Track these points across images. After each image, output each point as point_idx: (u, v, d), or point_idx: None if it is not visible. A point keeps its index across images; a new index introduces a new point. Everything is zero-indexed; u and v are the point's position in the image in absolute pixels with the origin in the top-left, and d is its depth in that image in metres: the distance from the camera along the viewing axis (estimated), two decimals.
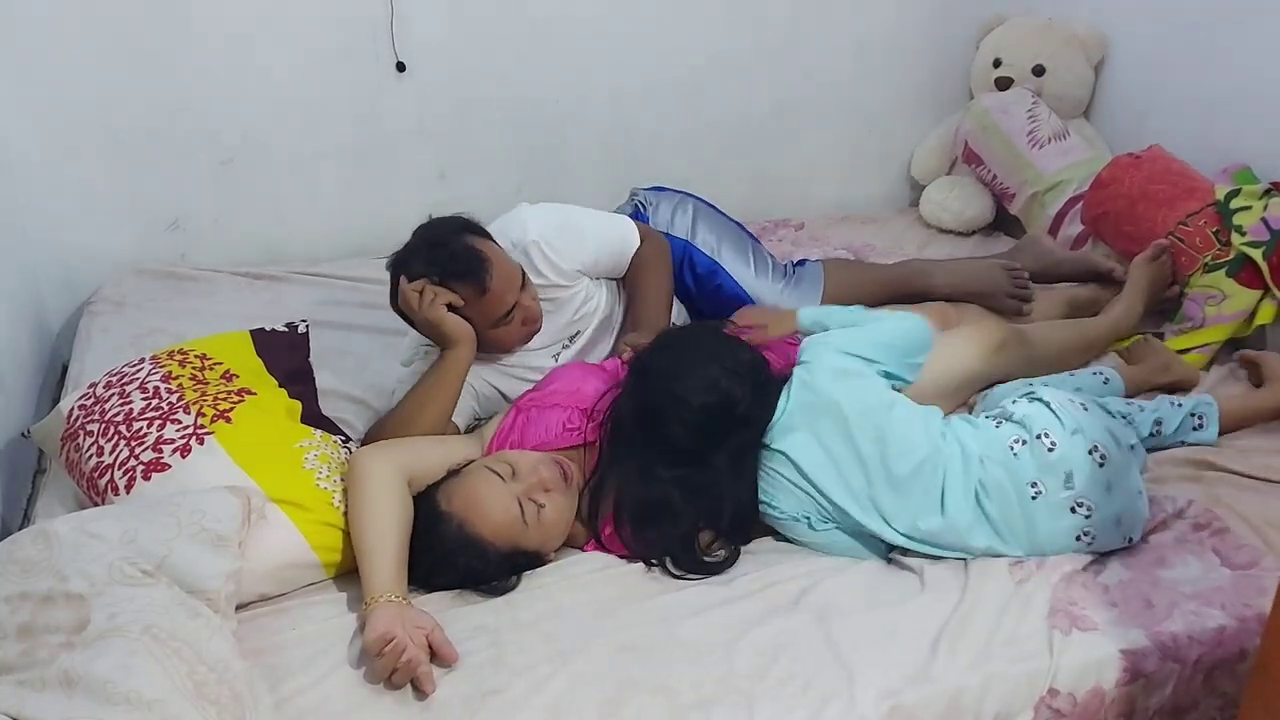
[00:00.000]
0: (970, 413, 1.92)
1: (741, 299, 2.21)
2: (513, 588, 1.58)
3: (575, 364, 1.98)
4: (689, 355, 1.70)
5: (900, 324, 1.85)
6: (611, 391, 1.76)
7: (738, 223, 2.40)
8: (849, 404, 1.66)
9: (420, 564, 1.55)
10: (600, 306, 2.08)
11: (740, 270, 2.25)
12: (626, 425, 1.69)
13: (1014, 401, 1.76)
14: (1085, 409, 1.69)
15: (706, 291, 2.23)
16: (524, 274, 1.90)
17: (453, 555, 1.56)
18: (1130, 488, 1.66)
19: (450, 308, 1.80)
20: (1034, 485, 1.62)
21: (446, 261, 1.80)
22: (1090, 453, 1.63)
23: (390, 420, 1.82)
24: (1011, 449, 1.65)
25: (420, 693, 1.38)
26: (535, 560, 1.62)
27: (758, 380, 1.70)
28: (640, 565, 1.64)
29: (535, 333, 1.96)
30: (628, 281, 2.11)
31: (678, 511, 1.63)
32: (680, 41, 2.79)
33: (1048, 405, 1.70)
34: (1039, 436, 1.65)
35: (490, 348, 1.93)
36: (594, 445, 1.73)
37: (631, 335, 1.96)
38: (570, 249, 1.99)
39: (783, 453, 1.65)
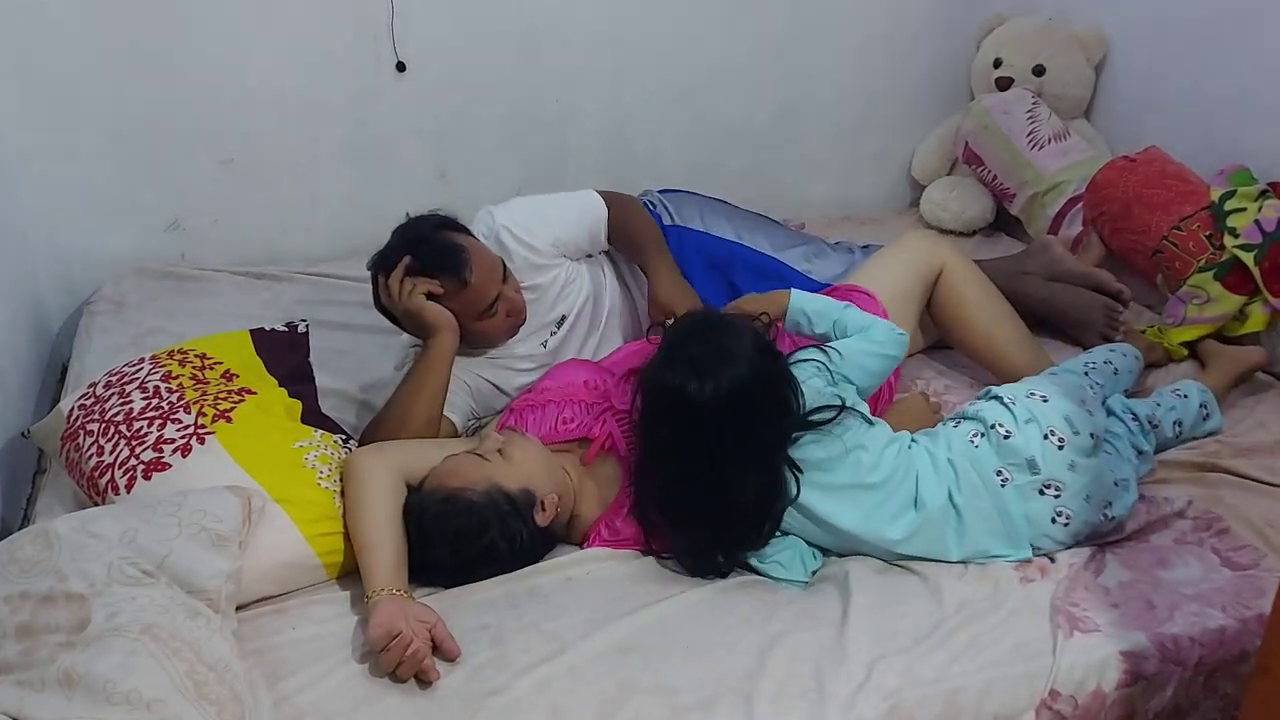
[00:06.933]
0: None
1: (764, 265, 2.19)
2: (542, 540, 1.62)
3: (568, 362, 1.99)
4: (704, 348, 1.58)
5: (888, 334, 1.77)
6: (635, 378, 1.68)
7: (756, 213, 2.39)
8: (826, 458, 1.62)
9: (431, 559, 1.55)
10: (584, 287, 2.08)
11: (760, 244, 2.24)
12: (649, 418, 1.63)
13: (970, 403, 1.80)
14: (1045, 400, 1.72)
15: (734, 267, 2.19)
16: (504, 265, 1.91)
17: (443, 524, 1.54)
18: (1096, 466, 1.66)
19: (432, 297, 1.81)
20: (1000, 474, 1.64)
21: (427, 256, 1.82)
22: (1045, 438, 1.65)
23: (383, 416, 1.82)
24: (971, 442, 1.68)
25: (425, 682, 1.39)
26: (529, 501, 1.59)
27: (768, 366, 1.60)
28: (641, 565, 1.64)
29: (520, 324, 1.96)
30: (615, 240, 2.08)
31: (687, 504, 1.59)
32: (680, 42, 2.79)
33: (1000, 400, 1.74)
34: (993, 427, 1.68)
35: (478, 342, 1.94)
36: (590, 439, 1.74)
37: (654, 307, 1.94)
38: (538, 226, 2.01)
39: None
